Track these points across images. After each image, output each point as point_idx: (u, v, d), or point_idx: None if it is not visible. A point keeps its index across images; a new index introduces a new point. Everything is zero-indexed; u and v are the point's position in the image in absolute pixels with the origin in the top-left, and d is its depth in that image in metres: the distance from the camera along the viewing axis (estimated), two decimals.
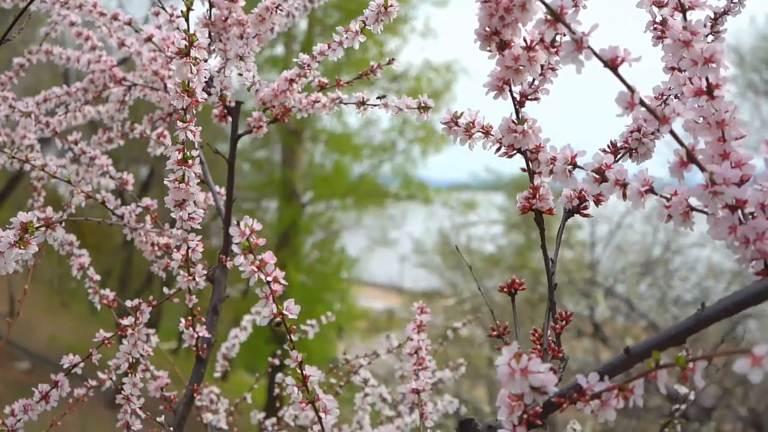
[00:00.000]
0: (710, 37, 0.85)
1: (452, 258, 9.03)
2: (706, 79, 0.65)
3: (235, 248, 0.75)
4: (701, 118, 0.66)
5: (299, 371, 0.78)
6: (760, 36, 8.49)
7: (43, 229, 0.81)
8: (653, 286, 7.24)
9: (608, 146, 0.83)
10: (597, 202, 0.82)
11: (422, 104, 1.04)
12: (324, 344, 9.02)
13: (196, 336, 1.13)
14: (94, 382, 1.25)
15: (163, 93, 1.34)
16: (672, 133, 0.62)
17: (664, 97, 0.83)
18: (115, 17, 1.26)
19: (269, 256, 0.77)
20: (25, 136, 1.43)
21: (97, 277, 1.23)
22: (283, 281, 0.76)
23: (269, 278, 0.76)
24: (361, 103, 1.12)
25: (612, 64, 0.61)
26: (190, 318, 1.13)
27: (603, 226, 7.82)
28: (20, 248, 0.81)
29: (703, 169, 0.62)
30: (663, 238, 7.39)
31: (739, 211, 0.63)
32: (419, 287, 10.23)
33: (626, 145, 0.82)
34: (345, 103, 1.15)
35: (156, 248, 1.22)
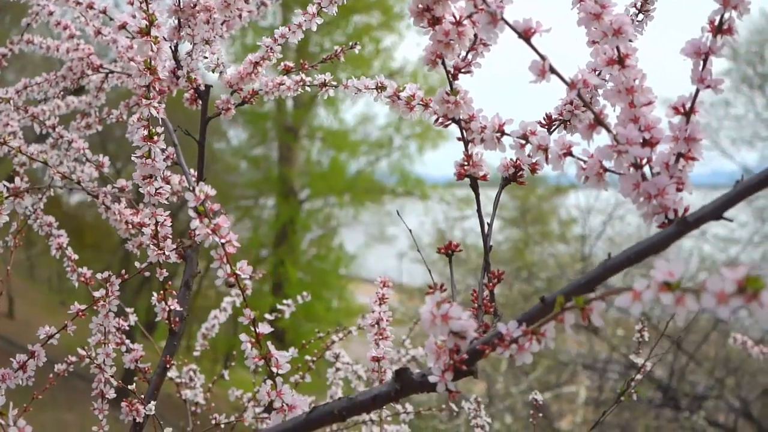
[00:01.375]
0: (640, 16, 0.91)
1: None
2: (617, 48, 0.70)
3: (190, 212, 0.80)
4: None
5: (253, 329, 0.83)
6: (755, 29, 8.50)
7: (11, 198, 0.86)
8: (646, 278, 7.24)
9: (543, 118, 0.88)
10: (533, 171, 0.87)
11: (379, 85, 1.09)
12: (322, 340, 9.05)
13: (168, 309, 1.18)
14: (74, 358, 1.31)
15: None
16: (580, 97, 0.67)
17: (597, 71, 0.88)
18: (90, 6, 1.31)
19: (223, 220, 0.81)
20: (8, 124, 1.48)
21: (75, 257, 1.28)
22: (236, 243, 0.81)
23: (224, 240, 0.81)
24: (323, 85, 1.18)
25: (525, 35, 0.66)
26: (162, 292, 1.18)
27: (597, 219, 7.87)
28: None
29: (609, 131, 0.67)
30: (656, 230, 7.42)
31: (647, 170, 0.68)
32: (417, 283, 10.27)
33: (560, 117, 0.87)
34: (308, 85, 1.20)
35: (130, 227, 1.27)
